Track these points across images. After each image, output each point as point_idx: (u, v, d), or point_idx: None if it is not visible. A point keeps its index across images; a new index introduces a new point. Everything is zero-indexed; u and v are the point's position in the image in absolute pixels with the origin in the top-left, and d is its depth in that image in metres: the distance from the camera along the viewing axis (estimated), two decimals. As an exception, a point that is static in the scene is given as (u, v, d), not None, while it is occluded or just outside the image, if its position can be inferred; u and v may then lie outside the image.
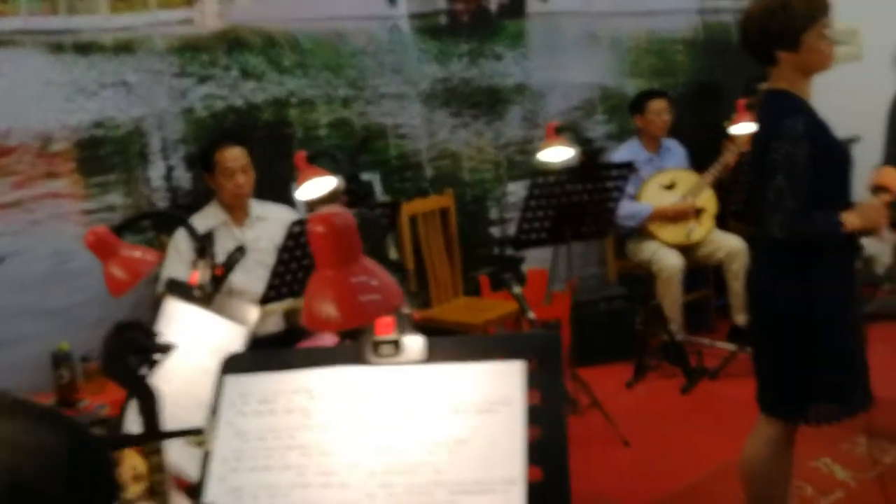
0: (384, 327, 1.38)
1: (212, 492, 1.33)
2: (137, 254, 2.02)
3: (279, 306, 3.38)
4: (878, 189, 2.50)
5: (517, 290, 3.83)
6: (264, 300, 3.20)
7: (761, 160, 2.45)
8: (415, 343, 1.38)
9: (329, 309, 1.16)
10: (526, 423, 1.30)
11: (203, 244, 2.12)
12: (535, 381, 1.33)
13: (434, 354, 1.38)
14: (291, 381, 1.39)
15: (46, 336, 3.58)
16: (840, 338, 2.45)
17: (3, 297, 3.56)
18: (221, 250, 2.28)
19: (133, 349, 1.04)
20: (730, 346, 4.58)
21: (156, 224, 3.88)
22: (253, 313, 1.96)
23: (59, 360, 3.50)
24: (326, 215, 1.15)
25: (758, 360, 2.62)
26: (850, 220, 2.42)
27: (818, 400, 2.47)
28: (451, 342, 1.39)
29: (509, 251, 5.05)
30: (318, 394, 1.37)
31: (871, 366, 2.56)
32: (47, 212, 3.75)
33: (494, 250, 5.03)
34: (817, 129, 2.44)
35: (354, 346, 1.40)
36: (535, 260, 5.12)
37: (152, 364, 1.06)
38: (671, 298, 4.59)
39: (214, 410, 1.39)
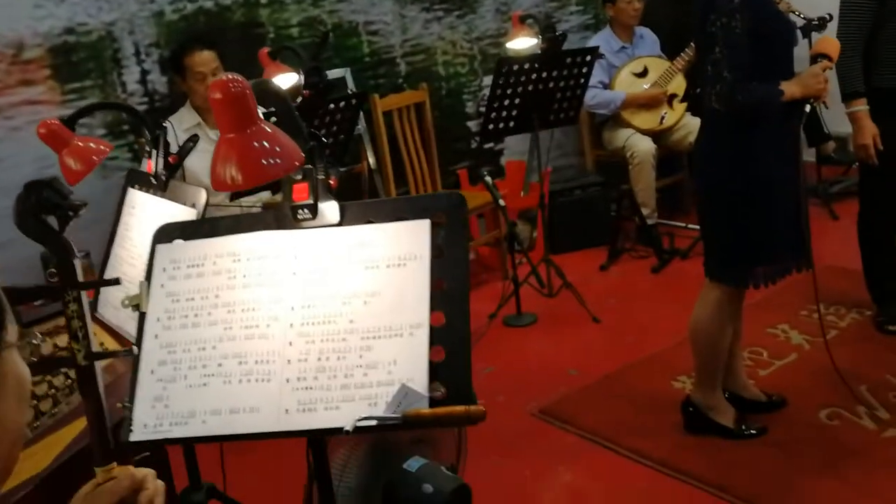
0: (300, 193, 1.49)
1: (148, 347, 1.46)
2: (90, 144, 2.12)
3: (256, 199, 3.49)
4: (817, 57, 2.55)
5: (488, 179, 3.94)
6: (239, 195, 3.30)
7: (700, 34, 2.50)
8: (330, 207, 1.48)
9: (232, 171, 1.26)
10: (430, 275, 1.42)
11: (157, 134, 2.22)
12: (440, 237, 1.44)
13: (348, 217, 1.49)
14: (218, 246, 1.50)
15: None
16: (776, 205, 2.54)
17: (-2, 200, 3.68)
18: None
19: (46, 207, 1.15)
20: (702, 228, 4.69)
21: (134, 128, 3.96)
22: (202, 196, 2.06)
23: (48, 260, 3.63)
24: (223, 82, 1.24)
25: (702, 228, 2.74)
26: (789, 88, 2.48)
27: (756, 264, 2.59)
28: (363, 206, 1.50)
29: (487, 144, 5.12)
30: (242, 256, 1.49)
31: (839, 240, 2.67)
32: (26, 119, 3.82)
33: (472, 144, 5.09)
34: (758, 2, 2.47)
35: (275, 212, 1.51)
36: (514, 153, 5.20)
37: (66, 220, 1.16)
38: (644, 183, 4.67)
39: (148, 276, 1.51)
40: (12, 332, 0.81)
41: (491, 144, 5.16)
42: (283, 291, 1.45)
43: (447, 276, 1.41)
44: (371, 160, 4.35)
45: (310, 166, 1.47)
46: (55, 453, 1.63)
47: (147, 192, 2.24)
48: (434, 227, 1.45)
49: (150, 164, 2.20)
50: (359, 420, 1.32)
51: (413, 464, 2.18)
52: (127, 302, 1.49)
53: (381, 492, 2.16)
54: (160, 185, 2.18)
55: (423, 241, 1.44)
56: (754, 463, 2.71)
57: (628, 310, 4.08)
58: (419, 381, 1.35)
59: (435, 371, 1.36)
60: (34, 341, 1.06)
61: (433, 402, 1.34)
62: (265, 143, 1.28)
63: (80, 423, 1.82)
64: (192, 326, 1.45)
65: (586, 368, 3.51)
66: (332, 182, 1.50)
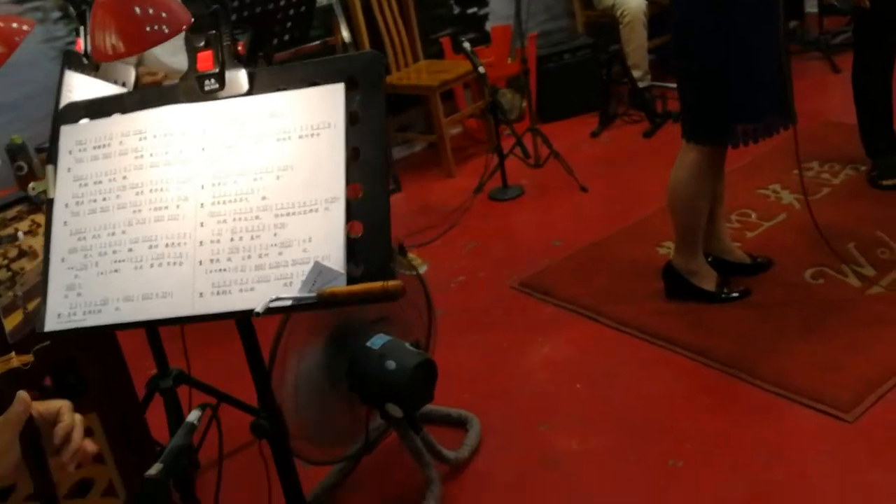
0: (205, 62, 1.37)
1: (58, 235, 1.38)
2: (12, 24, 1.99)
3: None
4: None
5: (466, 46, 3.77)
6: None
7: None
8: (237, 76, 1.37)
9: (112, 39, 1.15)
10: (346, 144, 1.32)
11: (82, 10, 2.08)
12: (355, 102, 1.33)
13: (257, 86, 1.37)
14: (124, 123, 1.40)
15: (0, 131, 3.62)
16: (754, 60, 2.39)
17: (-50, 95, 3.57)
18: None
19: None
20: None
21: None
22: (131, 74, 1.95)
23: (15, 152, 3.55)
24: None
25: (680, 88, 2.59)
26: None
27: (735, 121, 2.46)
28: (273, 72, 1.38)
29: (470, 10, 4.89)
30: (148, 134, 1.39)
31: (839, 94, 2.52)
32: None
33: (454, 10, 4.86)
34: None
35: (181, 84, 1.40)
36: (500, 17, 4.96)
37: None
38: (636, 44, 4.46)
39: (53, 160, 1.42)
40: None
41: (474, 9, 4.92)
42: (192, 169, 1.35)
43: (364, 144, 1.31)
44: (345, 34, 4.16)
45: (214, 32, 1.35)
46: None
47: (81, 73, 2.12)
48: (348, 91, 1.33)
49: (80, 43, 2.08)
50: (272, 301, 1.25)
51: (376, 341, 2.15)
52: (34, 190, 1.40)
53: (344, 369, 2.14)
54: (91, 65, 2.06)
55: (337, 107, 1.33)
56: (736, 326, 2.66)
57: (618, 177, 3.96)
58: (336, 258, 1.27)
59: (353, 247, 1.28)
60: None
61: (351, 280, 1.26)
62: (147, 7, 1.16)
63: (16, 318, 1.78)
64: (100, 211, 1.37)
65: (571, 239, 3.44)
66: (239, 48, 1.38)
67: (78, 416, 1.16)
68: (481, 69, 3.76)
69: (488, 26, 4.98)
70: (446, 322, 2.97)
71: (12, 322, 1.76)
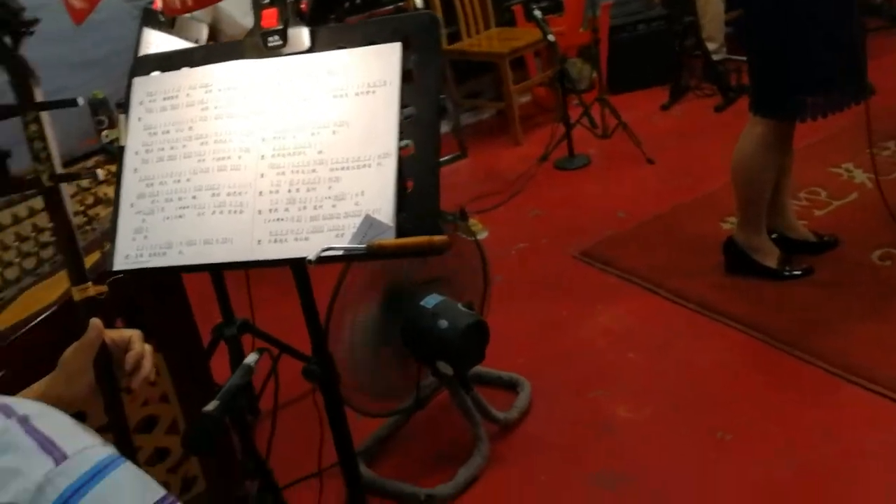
0: (269, 19, 1.42)
1: (128, 181, 1.46)
2: (94, -18, 2.08)
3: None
4: None
5: (537, 13, 3.75)
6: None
7: None
8: (300, 33, 1.42)
9: (180, -7, 1.20)
10: (400, 101, 1.36)
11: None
12: (411, 61, 1.36)
13: (318, 43, 1.42)
14: (191, 77, 1.47)
15: (84, 86, 3.77)
16: (821, 32, 2.33)
17: (40, 49, 3.72)
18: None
19: None
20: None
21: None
22: (204, 32, 2.02)
23: (96, 106, 3.70)
24: None
25: (748, 61, 2.55)
26: None
27: (804, 94, 2.41)
28: (333, 30, 1.43)
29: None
30: (214, 87, 1.45)
31: None
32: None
33: (529, -23, 4.82)
34: None
35: (246, 41, 1.45)
36: (575, -15, 4.90)
37: (19, 37, 1.13)
38: (711, 15, 4.37)
39: (126, 110, 1.49)
40: None
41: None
42: (254, 122, 1.41)
43: (417, 102, 1.35)
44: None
45: (279, -11, 1.40)
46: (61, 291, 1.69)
47: (158, 30, 2.21)
48: (405, 50, 1.37)
49: (157, 2, 2.16)
50: (324, 250, 1.30)
51: (430, 300, 2.20)
52: (107, 137, 1.48)
53: (398, 326, 2.19)
54: (167, 23, 2.14)
55: (393, 65, 1.37)
56: (796, 304, 2.63)
57: (686, 150, 3.91)
58: (386, 211, 1.31)
59: (402, 202, 1.32)
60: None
61: (400, 233, 1.30)
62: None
63: (94, 258, 1.88)
64: (167, 159, 1.44)
65: (635, 210, 3.42)
66: (302, 6, 1.42)
67: (148, 346, 1.23)
68: (551, 37, 3.74)
69: (563, -6, 4.94)
70: (505, 288, 3.01)
71: (89, 262, 1.86)
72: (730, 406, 2.29)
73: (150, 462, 1.96)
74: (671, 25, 4.60)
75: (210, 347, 2.38)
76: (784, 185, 2.76)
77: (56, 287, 1.73)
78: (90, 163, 2.35)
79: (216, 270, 1.41)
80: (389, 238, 1.30)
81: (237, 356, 2.38)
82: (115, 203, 1.46)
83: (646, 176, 3.74)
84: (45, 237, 1.96)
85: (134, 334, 1.21)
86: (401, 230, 1.30)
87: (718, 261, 2.87)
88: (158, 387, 1.98)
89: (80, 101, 1.11)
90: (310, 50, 1.42)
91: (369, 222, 1.29)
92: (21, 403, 0.74)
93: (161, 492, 0.76)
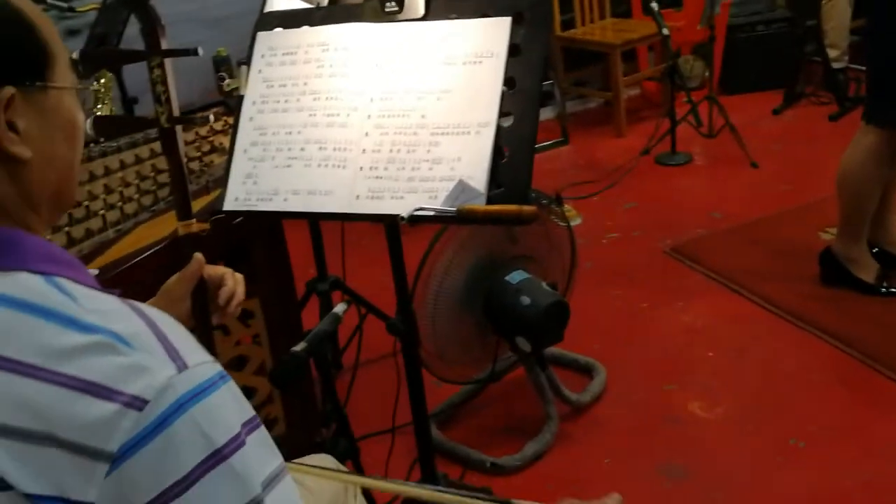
0: (388, -14, 1.49)
1: (243, 128, 1.56)
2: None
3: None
4: None
5: (654, 6, 3.73)
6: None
7: None
8: (415, 1, 1.48)
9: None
10: (504, 73, 1.41)
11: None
12: (518, 35, 1.41)
13: (433, 11, 1.48)
14: (311, 35, 1.55)
15: (208, 42, 3.94)
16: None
17: (171, 5, 3.92)
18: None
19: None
20: None
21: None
22: (326, -5, 2.11)
23: (219, 63, 3.87)
24: None
25: (867, 68, 2.49)
26: None
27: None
28: (449, 1, 1.49)
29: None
30: (331, 47, 1.53)
31: None
32: None
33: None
34: None
35: (365, 5, 1.53)
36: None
37: None
38: (836, 21, 4.24)
39: (248, 62, 1.59)
40: (64, 75, 0.88)
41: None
42: (365, 83, 1.49)
43: (521, 75, 1.40)
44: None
45: (397, -42, 1.47)
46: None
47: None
48: (514, 25, 1.42)
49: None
50: (416, 210, 1.37)
51: (515, 276, 2.25)
52: (228, 86, 1.59)
53: (481, 298, 2.26)
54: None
55: (501, 38, 1.42)
56: (889, 321, 2.57)
57: (792, 157, 3.83)
58: (479, 179, 1.37)
59: (496, 170, 1.37)
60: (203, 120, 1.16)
61: (490, 201, 1.36)
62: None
63: (203, 201, 2.01)
64: (281, 112, 1.53)
65: (731, 212, 3.38)
66: (421, -23, 1.49)
67: (240, 285, 1.32)
68: (665, 31, 3.71)
69: (683, -11, 4.87)
70: (592, 274, 3.03)
71: (200, 204, 1.99)
72: (806, 415, 2.27)
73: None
74: (792, 28, 4.49)
75: (303, 299, 2.50)
76: (890, 199, 2.69)
77: (168, 224, 1.85)
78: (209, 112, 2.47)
79: (317, 219, 1.49)
80: (480, 204, 1.36)
81: (326, 310, 2.49)
82: (230, 149, 1.57)
83: (747, 179, 3.69)
84: (163, 178, 2.10)
85: (227, 272, 1.30)
86: (491, 198, 1.36)
87: (812, 270, 2.82)
88: (252, 328, 2.10)
89: (200, 51, 1.20)
90: (424, 18, 1.49)
91: (461, 187, 1.36)
92: (153, 312, 0.82)
93: (252, 412, 0.85)
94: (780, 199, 3.43)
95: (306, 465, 1.36)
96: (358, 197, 1.45)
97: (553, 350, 2.60)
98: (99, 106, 3.59)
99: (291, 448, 2.15)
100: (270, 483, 0.82)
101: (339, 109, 1.49)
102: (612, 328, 2.77)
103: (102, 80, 3.64)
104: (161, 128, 1.23)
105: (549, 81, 4.42)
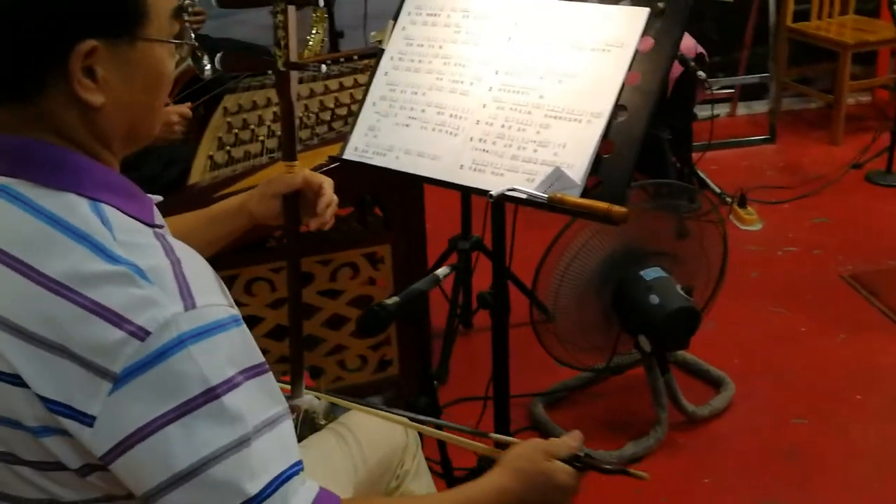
0: (535, -41, 1.47)
1: (378, 81, 1.60)
2: None
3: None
4: None
5: (895, 7, 3.38)
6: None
7: None
8: (559, -22, 1.45)
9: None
10: (629, 66, 1.35)
11: None
12: (652, 28, 1.35)
13: (575, -9, 1.44)
14: (455, 0, 1.56)
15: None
16: None
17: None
18: None
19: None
20: None
21: None
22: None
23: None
24: None
25: None
26: None
27: None
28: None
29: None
30: (471, 14, 1.53)
31: None
32: None
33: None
34: None
35: (512, -24, 1.51)
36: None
37: None
38: None
39: (395, 17, 1.62)
40: (161, 28, 0.90)
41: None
42: (493, 55, 1.48)
43: (645, 71, 1.34)
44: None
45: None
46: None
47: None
48: (652, 17, 1.35)
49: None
50: (508, 189, 1.36)
51: (650, 273, 2.18)
52: (373, 38, 1.63)
53: (611, 285, 2.20)
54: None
55: (634, 30, 1.36)
56: None
57: None
58: (578, 168, 1.34)
59: (597, 163, 1.33)
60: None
61: (585, 193, 1.32)
62: None
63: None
64: (413, 71, 1.56)
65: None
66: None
67: (335, 198, 1.33)
68: (904, 35, 3.35)
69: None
70: (755, 285, 2.87)
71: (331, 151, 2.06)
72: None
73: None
74: None
75: (443, 255, 2.55)
76: None
77: (316, 158, 1.94)
78: (361, 64, 2.51)
79: (420, 182, 1.51)
80: (574, 195, 1.33)
81: (464, 268, 2.53)
82: (361, 99, 1.62)
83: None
84: (326, 116, 2.21)
85: (325, 181, 1.33)
86: (586, 190, 1.33)
87: None
88: (381, 272, 2.18)
89: (321, 1, 1.23)
90: (566, -5, 1.45)
91: (558, 174, 1.33)
92: (181, 248, 0.88)
93: (260, 359, 0.89)
94: None
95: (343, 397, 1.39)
96: (462, 166, 1.46)
97: (685, 355, 2.49)
98: (313, 32, 3.81)
99: (400, 391, 2.24)
100: (265, 427, 0.86)
101: (463, 77, 1.50)
102: (757, 346, 2.60)
103: (317, 12, 3.85)
104: (277, 71, 1.29)
105: (765, 74, 4.13)
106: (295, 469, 0.88)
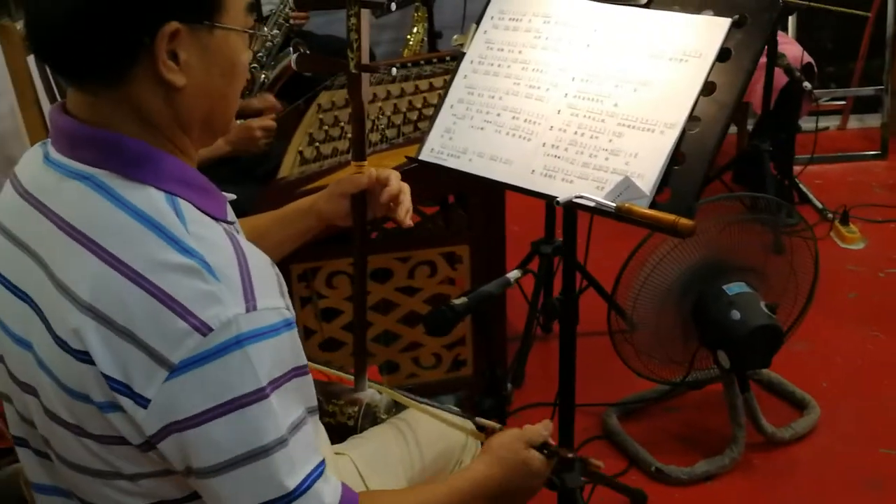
0: (618, -34, 1.45)
1: (457, 84, 1.62)
2: None
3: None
4: None
5: None
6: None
7: None
8: (641, -14, 1.43)
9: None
10: (706, 77, 1.33)
11: None
12: (733, 39, 1.32)
13: (657, 1, 1.42)
14: (537, 5, 1.56)
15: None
16: None
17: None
18: None
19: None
20: None
21: None
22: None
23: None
24: None
25: None
26: None
27: None
28: (675, -10, 1.42)
29: None
30: (553, 20, 1.53)
31: None
32: None
33: None
34: None
35: (595, -18, 1.50)
36: None
37: None
38: None
39: (478, 21, 1.64)
40: (236, 17, 0.95)
41: None
42: (571, 61, 1.47)
43: (722, 83, 1.31)
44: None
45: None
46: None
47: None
48: (734, 27, 1.32)
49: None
50: (575, 197, 1.35)
51: (733, 287, 2.12)
52: (456, 41, 1.65)
53: (691, 298, 2.16)
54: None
55: (714, 40, 1.33)
56: None
57: None
58: (648, 179, 1.32)
59: (668, 174, 1.31)
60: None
61: (653, 204, 1.31)
62: None
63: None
64: (492, 75, 1.57)
65: None
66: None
67: (406, 185, 1.36)
68: None
69: None
70: (852, 306, 2.77)
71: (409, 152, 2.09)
72: None
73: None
74: None
75: (526, 258, 2.55)
76: None
77: (396, 158, 1.98)
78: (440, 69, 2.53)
79: (491, 186, 1.52)
80: (642, 206, 1.31)
81: (545, 271, 2.52)
82: (439, 101, 1.64)
83: None
84: (413, 115, 2.24)
85: (392, 173, 1.35)
86: (654, 201, 1.31)
87: None
88: (459, 273, 2.20)
89: (393, 6, 1.26)
90: (647, 5, 1.44)
91: (626, 184, 1.32)
92: (248, 247, 0.92)
93: (304, 361, 0.93)
94: None
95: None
96: (533, 172, 1.46)
97: (770, 374, 2.42)
98: (413, 31, 3.87)
99: (472, 392, 2.25)
100: (299, 424, 0.91)
101: (541, 83, 1.50)
102: (849, 370, 2.50)
103: (418, 12, 3.90)
104: (349, 73, 1.32)
105: (880, 86, 3.94)
106: (322, 466, 0.92)
